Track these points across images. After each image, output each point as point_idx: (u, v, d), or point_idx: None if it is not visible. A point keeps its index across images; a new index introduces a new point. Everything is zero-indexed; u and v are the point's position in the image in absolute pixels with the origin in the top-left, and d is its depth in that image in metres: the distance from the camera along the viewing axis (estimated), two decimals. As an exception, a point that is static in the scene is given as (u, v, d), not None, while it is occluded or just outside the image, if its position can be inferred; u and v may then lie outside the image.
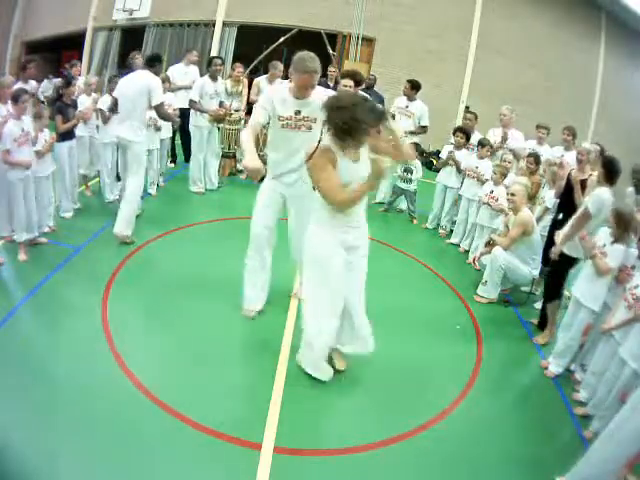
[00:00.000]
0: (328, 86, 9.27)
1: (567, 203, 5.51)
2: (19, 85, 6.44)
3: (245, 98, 9.16)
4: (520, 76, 13.25)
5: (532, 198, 6.39)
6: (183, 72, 8.93)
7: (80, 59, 14.14)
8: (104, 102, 6.83)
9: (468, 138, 7.53)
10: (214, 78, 7.96)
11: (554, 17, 13.37)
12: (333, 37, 13.10)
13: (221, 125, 8.64)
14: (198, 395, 3.83)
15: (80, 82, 7.58)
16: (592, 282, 4.39)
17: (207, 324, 4.70)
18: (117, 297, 4.92)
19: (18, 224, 5.34)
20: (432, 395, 4.26)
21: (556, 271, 5.17)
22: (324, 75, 9.97)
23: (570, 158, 6.66)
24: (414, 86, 8.08)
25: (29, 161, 5.28)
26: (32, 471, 3.01)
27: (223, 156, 9.17)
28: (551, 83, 13.46)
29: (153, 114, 7.00)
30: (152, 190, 7.80)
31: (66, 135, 6.18)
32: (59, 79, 7.92)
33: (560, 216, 5.61)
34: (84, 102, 6.83)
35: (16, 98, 5.17)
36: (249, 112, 10.74)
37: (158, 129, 7.49)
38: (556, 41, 13.45)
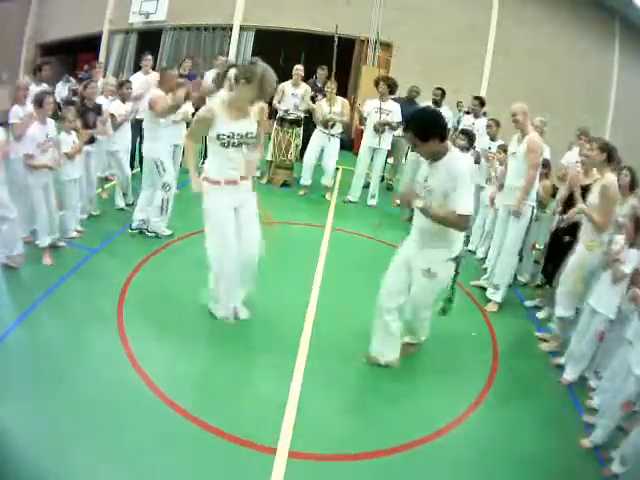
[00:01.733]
0: (317, 86, 9.29)
1: (569, 208, 5.39)
2: (32, 87, 6.44)
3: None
4: (536, 81, 13.19)
5: (544, 205, 6.31)
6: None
7: (95, 62, 14.23)
8: (116, 108, 6.78)
9: (471, 141, 7.41)
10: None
11: (568, 22, 13.32)
12: (351, 42, 13.09)
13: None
14: (213, 399, 3.83)
15: (99, 84, 7.58)
16: (607, 289, 4.35)
17: (223, 328, 4.68)
18: (133, 300, 4.93)
19: (41, 229, 5.34)
20: (447, 401, 4.24)
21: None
22: (315, 76, 10.08)
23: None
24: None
25: (53, 164, 5.27)
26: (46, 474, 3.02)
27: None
28: (567, 88, 13.40)
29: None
30: None
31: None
32: (74, 81, 7.93)
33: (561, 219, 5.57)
34: (103, 104, 6.82)
35: (40, 101, 5.13)
36: (268, 117, 10.82)
37: None
38: (571, 46, 13.42)
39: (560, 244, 5.48)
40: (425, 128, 3.67)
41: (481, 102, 8.40)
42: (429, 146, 3.70)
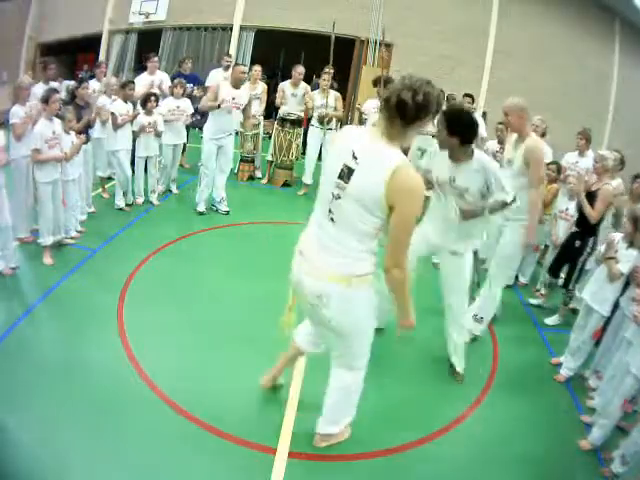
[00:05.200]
0: (317, 86, 9.20)
1: (582, 216, 5.42)
2: (40, 86, 6.45)
3: (264, 103, 9.15)
4: (536, 81, 13.17)
5: (547, 206, 6.31)
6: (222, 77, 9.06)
7: (96, 62, 14.20)
8: (118, 108, 6.79)
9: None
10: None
11: (568, 22, 13.30)
12: (351, 42, 13.07)
13: (239, 130, 8.70)
14: (213, 398, 3.82)
15: (101, 84, 7.59)
16: (602, 286, 4.38)
17: (224, 328, 4.68)
18: (133, 300, 4.94)
19: (44, 227, 5.35)
20: (447, 401, 4.25)
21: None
22: (317, 75, 9.98)
23: (585, 164, 6.52)
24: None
25: (61, 155, 5.29)
26: (46, 474, 3.02)
27: (242, 160, 9.16)
28: (567, 88, 13.38)
29: (152, 119, 7.06)
30: (153, 198, 7.60)
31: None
32: (72, 81, 7.91)
33: (573, 228, 5.58)
34: (104, 104, 6.82)
35: (47, 99, 5.15)
36: (268, 117, 10.77)
37: (158, 135, 7.38)
38: (571, 46, 13.39)
39: (571, 248, 5.52)
40: (455, 123, 3.80)
41: (473, 99, 8.42)
42: (450, 141, 3.85)
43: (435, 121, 3.81)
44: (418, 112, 2.59)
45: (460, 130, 3.80)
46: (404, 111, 2.58)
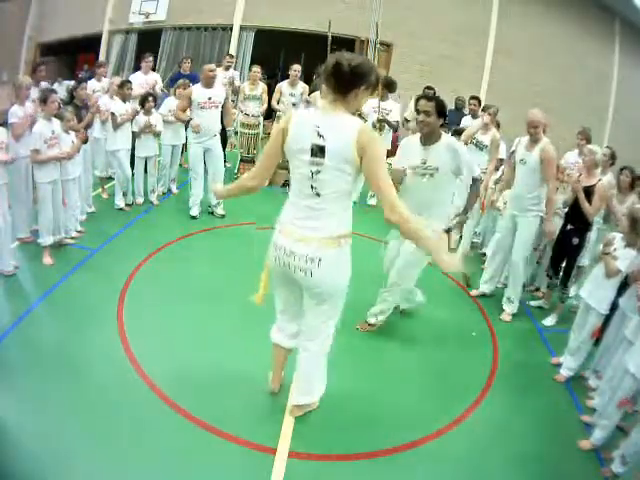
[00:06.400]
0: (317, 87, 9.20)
1: (577, 213, 5.42)
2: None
3: (265, 103, 9.14)
4: (536, 81, 13.20)
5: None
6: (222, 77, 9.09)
7: (96, 62, 14.20)
8: (117, 108, 6.80)
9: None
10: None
11: (568, 22, 13.34)
12: (351, 42, 13.07)
13: (239, 130, 8.69)
14: (214, 398, 3.81)
15: (103, 84, 7.59)
16: (600, 284, 4.38)
17: (224, 328, 4.69)
18: (133, 300, 4.94)
19: (44, 228, 5.35)
20: (447, 401, 4.24)
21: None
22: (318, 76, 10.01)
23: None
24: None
25: (62, 154, 5.30)
26: (46, 474, 3.01)
27: (242, 160, 9.16)
28: (567, 88, 13.40)
29: (152, 119, 7.06)
30: (153, 198, 7.63)
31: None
32: (72, 81, 7.91)
33: (569, 227, 5.55)
34: (106, 104, 6.83)
35: (45, 99, 5.17)
36: (268, 117, 10.78)
37: (157, 135, 7.40)
38: (571, 46, 13.43)
39: (569, 246, 5.51)
40: (444, 107, 4.44)
41: (479, 102, 8.42)
42: (437, 122, 4.40)
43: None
44: (353, 78, 2.89)
45: (445, 111, 4.44)
46: (340, 74, 2.88)
